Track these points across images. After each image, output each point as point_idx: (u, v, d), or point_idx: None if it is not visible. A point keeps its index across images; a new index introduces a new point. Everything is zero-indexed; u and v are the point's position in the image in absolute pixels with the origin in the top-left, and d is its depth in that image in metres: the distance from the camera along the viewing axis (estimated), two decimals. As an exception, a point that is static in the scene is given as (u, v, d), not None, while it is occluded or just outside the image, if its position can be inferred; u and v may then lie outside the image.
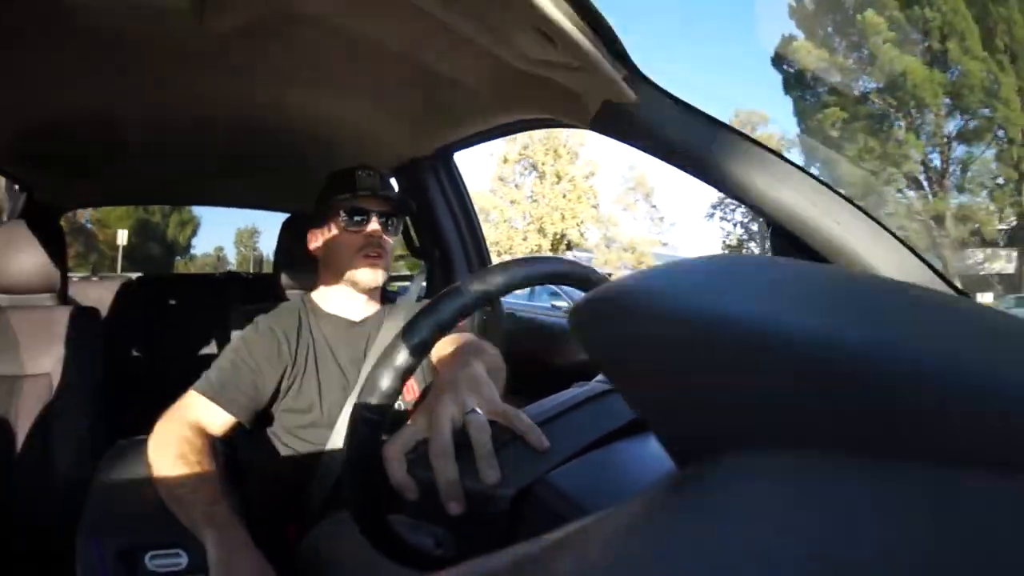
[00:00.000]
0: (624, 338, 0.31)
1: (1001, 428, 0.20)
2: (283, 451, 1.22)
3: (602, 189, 29.30)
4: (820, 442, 0.23)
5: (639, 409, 0.33)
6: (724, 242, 27.42)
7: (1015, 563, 0.16)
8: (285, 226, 1.56)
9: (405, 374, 0.54)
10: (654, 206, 28.31)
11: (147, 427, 1.10)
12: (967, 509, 0.18)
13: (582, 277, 0.64)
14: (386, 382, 0.54)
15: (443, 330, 0.55)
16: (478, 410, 0.56)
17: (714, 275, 0.32)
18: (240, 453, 1.32)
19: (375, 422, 0.54)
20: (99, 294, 2.67)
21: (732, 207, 26.07)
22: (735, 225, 27.44)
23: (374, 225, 1.25)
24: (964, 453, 0.21)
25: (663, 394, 0.30)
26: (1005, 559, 0.16)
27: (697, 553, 0.18)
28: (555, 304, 6.39)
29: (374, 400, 0.54)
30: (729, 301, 0.28)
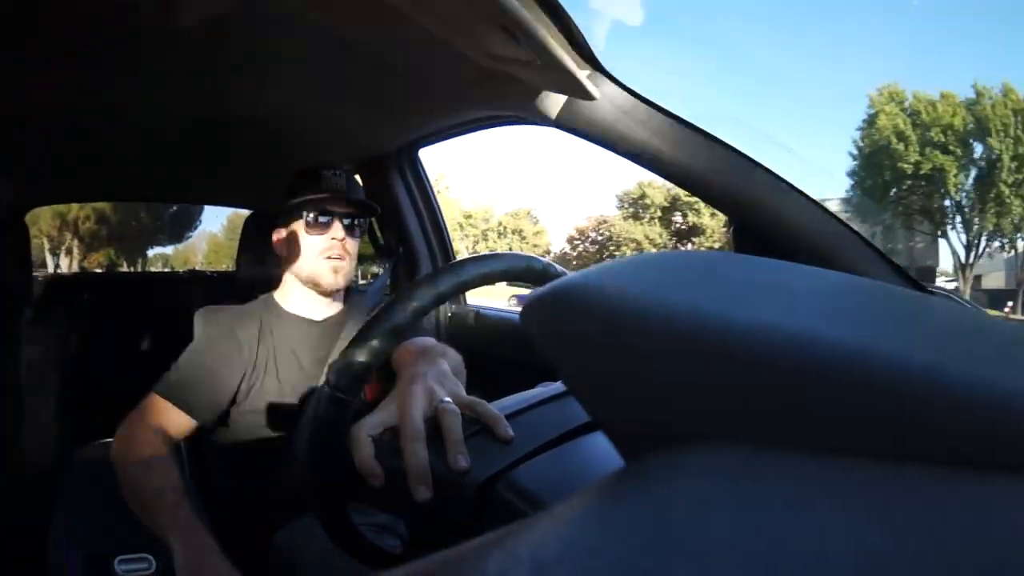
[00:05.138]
0: (568, 333, 0.31)
1: (951, 425, 0.21)
2: (247, 453, 1.20)
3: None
4: (759, 437, 0.23)
5: (585, 404, 0.33)
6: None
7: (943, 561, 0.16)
8: (248, 222, 1.53)
9: (378, 355, 0.54)
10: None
11: (112, 429, 1.08)
12: (907, 504, 0.19)
13: (556, 275, 0.64)
14: (358, 359, 0.53)
15: (420, 314, 0.55)
16: (448, 399, 0.55)
17: (660, 270, 0.32)
18: (205, 455, 1.30)
19: (342, 401, 0.53)
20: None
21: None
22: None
23: (338, 227, 1.23)
24: (910, 449, 0.21)
25: (607, 389, 0.30)
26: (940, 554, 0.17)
27: (628, 547, 0.18)
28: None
29: (343, 378, 0.53)
30: (672, 296, 0.28)
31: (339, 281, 1.25)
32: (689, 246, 23.17)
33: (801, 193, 0.89)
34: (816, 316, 0.26)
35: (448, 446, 0.50)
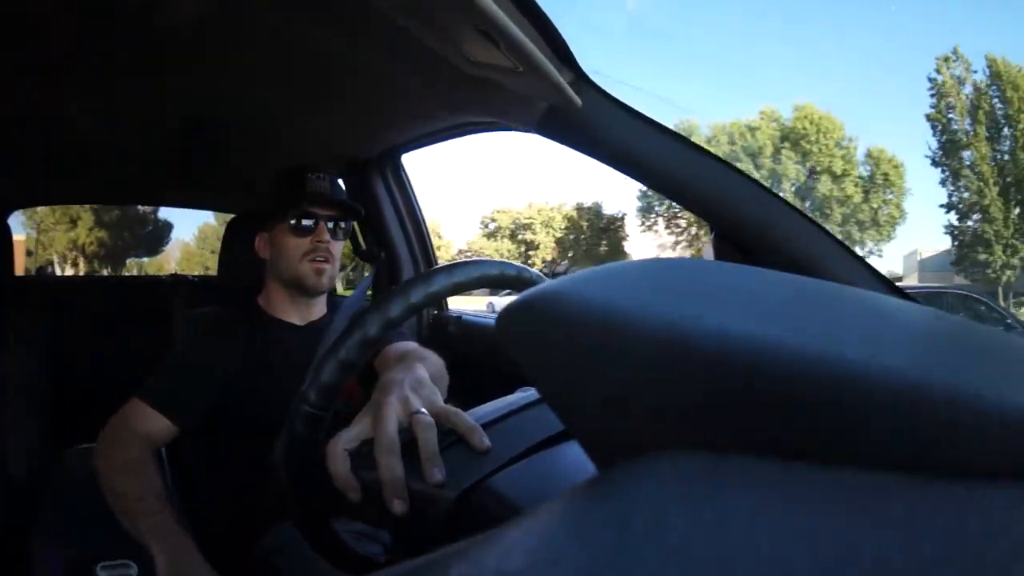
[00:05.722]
0: (541, 342, 0.31)
1: (923, 432, 0.21)
2: (231, 459, 1.19)
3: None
4: (729, 444, 0.23)
5: (558, 412, 0.33)
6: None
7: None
8: (230, 227, 1.52)
9: (350, 368, 0.53)
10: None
11: (96, 433, 1.07)
12: (876, 511, 0.19)
13: (530, 280, 0.64)
14: (329, 374, 0.53)
15: (391, 327, 0.54)
16: (423, 410, 0.55)
17: (634, 278, 0.32)
18: (188, 461, 1.29)
19: (316, 417, 0.53)
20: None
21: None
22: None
23: (322, 230, 1.23)
24: (879, 456, 0.21)
25: (578, 397, 0.30)
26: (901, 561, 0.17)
27: (589, 557, 0.18)
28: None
29: (315, 394, 0.53)
30: (644, 304, 0.28)
31: (323, 283, 1.24)
32: (530, 257, 29.07)
33: (781, 200, 0.90)
34: (789, 323, 0.26)
35: (423, 459, 0.50)
